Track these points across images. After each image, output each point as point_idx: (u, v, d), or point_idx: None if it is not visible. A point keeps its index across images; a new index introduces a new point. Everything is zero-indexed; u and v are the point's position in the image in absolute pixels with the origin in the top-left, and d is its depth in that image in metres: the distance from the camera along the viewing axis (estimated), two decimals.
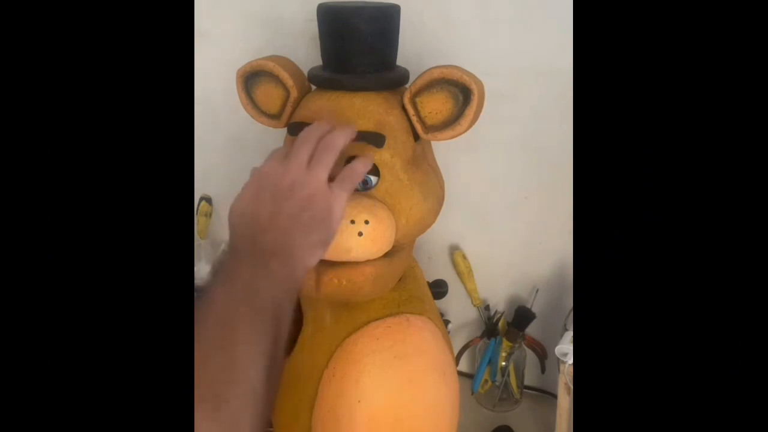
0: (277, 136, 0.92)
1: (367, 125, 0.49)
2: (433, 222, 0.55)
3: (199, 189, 1.03)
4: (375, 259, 0.49)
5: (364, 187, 0.50)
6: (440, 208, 0.56)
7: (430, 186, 0.54)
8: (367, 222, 0.46)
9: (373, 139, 0.49)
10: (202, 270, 0.99)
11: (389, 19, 0.52)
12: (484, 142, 0.74)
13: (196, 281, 0.98)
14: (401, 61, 0.57)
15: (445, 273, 0.80)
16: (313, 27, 0.83)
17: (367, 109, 0.50)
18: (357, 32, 0.50)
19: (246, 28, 0.86)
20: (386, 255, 0.50)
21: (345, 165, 0.47)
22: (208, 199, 1.02)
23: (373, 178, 0.50)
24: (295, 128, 0.51)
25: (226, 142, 0.97)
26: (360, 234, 0.46)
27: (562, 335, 0.64)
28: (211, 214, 1.02)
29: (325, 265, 0.48)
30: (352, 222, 0.46)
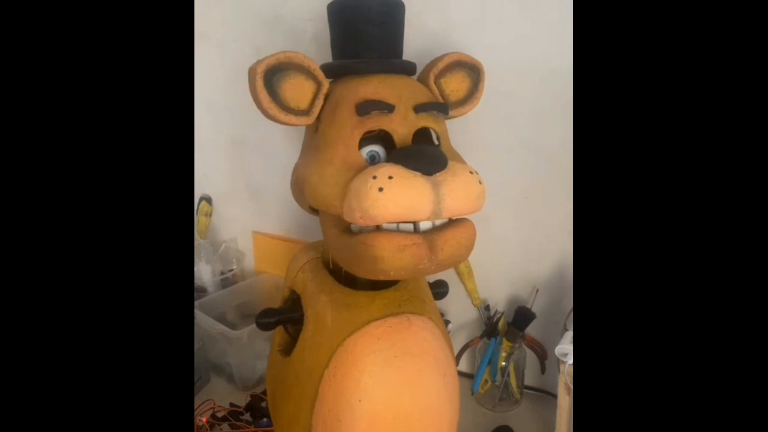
0: (277, 136, 0.92)
1: (428, 99, 0.52)
2: None
3: (199, 189, 1.03)
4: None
5: None
6: None
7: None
8: (475, 173, 0.47)
9: (441, 107, 0.52)
10: (202, 270, 0.99)
11: (402, 13, 0.56)
12: (484, 142, 0.74)
13: (196, 281, 0.98)
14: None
15: (445, 273, 0.79)
16: (314, 26, 0.82)
17: (419, 86, 0.53)
18: (392, 19, 0.54)
19: (246, 28, 0.86)
20: None
21: (413, 138, 0.48)
22: (208, 199, 1.02)
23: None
24: (367, 107, 0.49)
25: (226, 143, 0.97)
26: (480, 182, 0.47)
27: (562, 335, 0.64)
28: (211, 214, 1.02)
29: (429, 233, 0.47)
30: (472, 173, 0.47)
